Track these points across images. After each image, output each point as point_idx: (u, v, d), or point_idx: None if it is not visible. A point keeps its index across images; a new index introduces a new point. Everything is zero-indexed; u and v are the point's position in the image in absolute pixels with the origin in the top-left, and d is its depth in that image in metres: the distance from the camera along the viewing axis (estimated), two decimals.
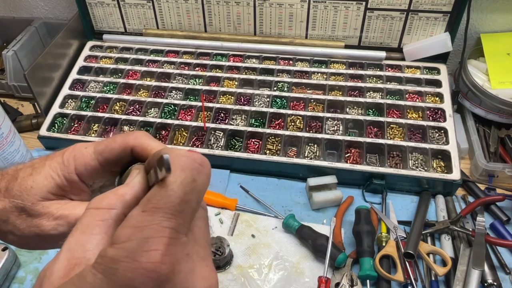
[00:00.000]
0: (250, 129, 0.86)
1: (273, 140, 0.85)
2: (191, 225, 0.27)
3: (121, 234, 0.24)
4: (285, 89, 0.95)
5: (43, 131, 0.90)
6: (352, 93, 0.94)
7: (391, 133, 0.85)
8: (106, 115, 0.91)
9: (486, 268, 0.66)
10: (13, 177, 0.37)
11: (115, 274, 0.23)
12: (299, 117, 0.88)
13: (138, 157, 0.35)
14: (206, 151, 0.83)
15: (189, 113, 0.92)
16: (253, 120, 0.89)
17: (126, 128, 0.90)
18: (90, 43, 1.10)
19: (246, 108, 0.90)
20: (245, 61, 1.03)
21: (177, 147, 0.76)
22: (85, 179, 0.37)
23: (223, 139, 0.85)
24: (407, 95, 0.92)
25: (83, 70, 1.04)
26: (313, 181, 0.78)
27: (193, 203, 0.27)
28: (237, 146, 0.85)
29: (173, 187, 0.25)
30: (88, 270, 0.24)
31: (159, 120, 0.89)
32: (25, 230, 0.36)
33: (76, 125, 0.92)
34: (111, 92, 0.97)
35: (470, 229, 0.71)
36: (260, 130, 0.86)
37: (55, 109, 0.94)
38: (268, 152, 0.83)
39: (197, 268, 0.27)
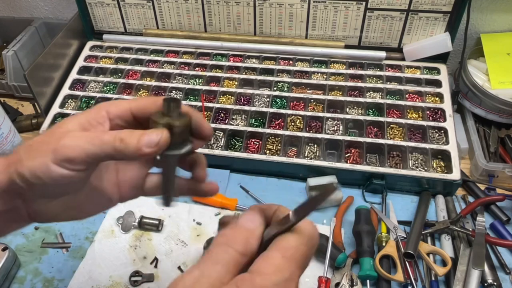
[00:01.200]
0: (250, 129, 0.86)
1: (273, 140, 0.85)
2: None
3: (267, 268, 0.31)
4: (285, 89, 0.95)
5: (43, 131, 0.90)
6: (352, 93, 0.94)
7: (391, 133, 0.85)
8: None
9: (486, 268, 0.66)
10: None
11: None
12: (299, 117, 0.88)
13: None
14: (206, 151, 0.83)
15: None
16: (253, 120, 0.89)
17: None
18: (90, 43, 1.10)
19: (246, 108, 0.90)
20: (245, 61, 1.03)
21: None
22: (113, 118, 0.40)
23: (223, 139, 0.85)
24: (407, 95, 0.92)
25: (83, 70, 1.04)
26: (313, 181, 0.78)
27: (310, 260, 0.36)
28: (237, 146, 0.85)
29: (305, 248, 0.33)
30: None
31: None
32: (50, 157, 0.36)
33: None
34: (111, 92, 0.97)
35: (470, 229, 0.71)
36: (260, 130, 0.86)
37: (55, 109, 0.94)
38: (268, 152, 0.83)
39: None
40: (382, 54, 0.99)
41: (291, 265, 0.32)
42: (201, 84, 0.98)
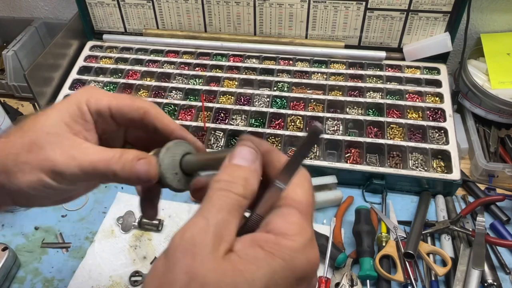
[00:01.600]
0: (250, 129, 0.86)
1: (273, 140, 0.85)
2: None
3: (292, 229, 0.29)
4: (285, 89, 0.95)
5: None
6: (352, 93, 0.94)
7: (391, 133, 0.85)
8: None
9: (486, 268, 0.66)
10: (25, 119, 0.38)
11: (295, 263, 0.28)
12: (299, 117, 0.88)
13: (149, 123, 0.39)
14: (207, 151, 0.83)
15: (189, 113, 0.92)
16: (253, 120, 0.89)
17: None
18: (90, 43, 1.10)
19: (246, 108, 0.90)
20: (245, 61, 1.03)
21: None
22: (92, 111, 0.38)
23: (223, 139, 0.85)
24: (407, 95, 0.92)
25: (83, 70, 1.04)
26: (313, 181, 0.77)
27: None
28: None
29: (310, 197, 0.32)
30: (262, 254, 0.28)
31: None
32: (36, 166, 0.35)
33: None
34: (111, 92, 0.97)
35: (470, 229, 0.71)
36: (260, 130, 0.86)
37: None
38: None
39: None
40: (382, 54, 0.99)
41: (309, 221, 0.31)
42: (201, 84, 0.98)
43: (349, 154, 0.82)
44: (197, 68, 1.02)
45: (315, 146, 0.84)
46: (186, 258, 0.27)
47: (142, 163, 0.35)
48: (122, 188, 0.82)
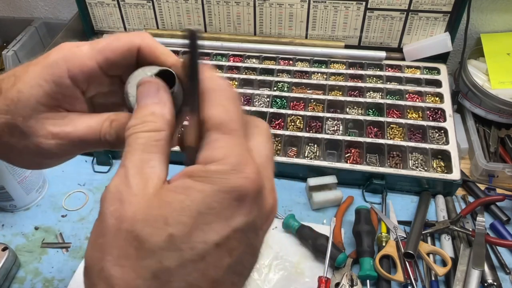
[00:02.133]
0: None
1: (273, 140, 0.85)
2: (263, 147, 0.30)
3: (218, 154, 0.26)
4: (285, 89, 0.95)
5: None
6: (352, 93, 0.94)
7: (391, 133, 0.85)
8: None
9: (486, 268, 0.66)
10: None
11: (227, 183, 0.25)
12: (299, 117, 0.88)
13: (144, 61, 0.33)
14: None
15: None
16: None
17: None
18: None
19: (246, 108, 0.90)
20: (245, 61, 1.03)
21: None
22: (79, 83, 0.33)
23: None
24: (407, 95, 0.92)
25: None
26: (313, 181, 0.78)
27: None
28: None
29: (234, 109, 0.28)
30: (190, 182, 0.25)
31: None
32: (23, 149, 0.33)
33: None
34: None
35: (470, 229, 0.71)
36: None
37: None
38: None
39: (271, 185, 0.30)
40: (382, 54, 0.99)
41: (237, 138, 0.27)
42: None
43: (349, 154, 0.82)
44: None
45: (316, 146, 0.84)
46: (113, 205, 0.25)
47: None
48: None
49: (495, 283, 0.65)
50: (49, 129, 0.32)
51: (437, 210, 0.77)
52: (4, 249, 0.67)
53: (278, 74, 0.99)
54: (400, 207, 0.78)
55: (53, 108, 0.33)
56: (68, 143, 0.33)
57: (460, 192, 0.81)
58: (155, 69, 0.33)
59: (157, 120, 0.29)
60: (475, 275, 0.64)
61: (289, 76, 0.99)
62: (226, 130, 0.27)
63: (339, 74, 0.97)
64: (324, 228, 0.73)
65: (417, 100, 0.91)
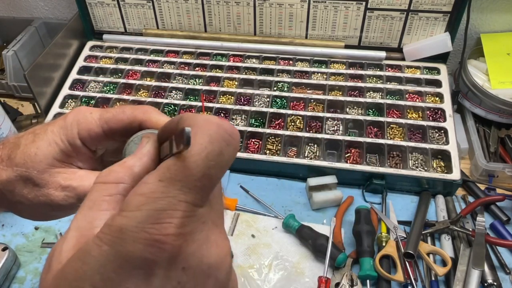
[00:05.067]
0: (250, 129, 0.86)
1: (273, 140, 0.85)
2: None
3: (132, 201, 0.23)
4: (285, 89, 0.95)
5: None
6: (352, 93, 0.94)
7: (391, 133, 0.85)
8: None
9: (486, 268, 0.66)
10: (15, 145, 0.36)
11: (123, 244, 0.21)
12: (299, 117, 0.88)
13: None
14: None
15: None
16: (253, 120, 0.89)
17: None
18: (90, 43, 1.10)
19: (246, 108, 0.90)
20: (245, 61, 1.03)
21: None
22: (88, 144, 0.36)
23: None
24: (407, 95, 0.92)
25: (83, 70, 1.04)
26: (313, 181, 0.78)
27: (216, 178, 0.24)
28: None
29: (197, 160, 0.23)
30: (93, 242, 0.22)
31: None
32: (34, 199, 0.36)
33: None
34: (111, 92, 0.97)
35: (470, 229, 0.71)
36: (260, 130, 0.86)
37: (55, 109, 0.94)
38: (268, 152, 0.83)
39: (211, 236, 0.25)
40: (382, 54, 0.99)
41: (170, 189, 0.22)
42: (201, 84, 0.98)
43: (349, 154, 0.82)
44: (197, 68, 1.02)
45: (316, 146, 0.84)
46: (44, 270, 0.25)
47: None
48: None
49: (495, 283, 0.65)
50: (60, 182, 0.35)
51: (437, 210, 0.77)
52: (4, 249, 0.67)
53: (278, 74, 0.99)
54: (400, 207, 0.78)
55: (66, 164, 0.36)
56: (75, 196, 0.36)
57: (460, 192, 0.81)
58: (147, 133, 0.33)
59: (121, 171, 0.27)
60: (475, 275, 0.64)
61: (289, 76, 0.99)
62: (165, 177, 0.23)
63: (339, 74, 0.97)
64: (324, 228, 0.73)
65: (417, 100, 0.91)
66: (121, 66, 1.03)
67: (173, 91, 0.96)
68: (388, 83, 0.95)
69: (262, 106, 0.91)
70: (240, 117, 0.90)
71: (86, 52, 1.08)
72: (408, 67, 0.98)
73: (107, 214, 0.25)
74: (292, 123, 0.88)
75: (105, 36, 1.11)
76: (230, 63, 1.02)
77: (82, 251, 0.22)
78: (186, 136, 0.22)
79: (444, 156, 0.81)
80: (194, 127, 0.24)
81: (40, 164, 0.35)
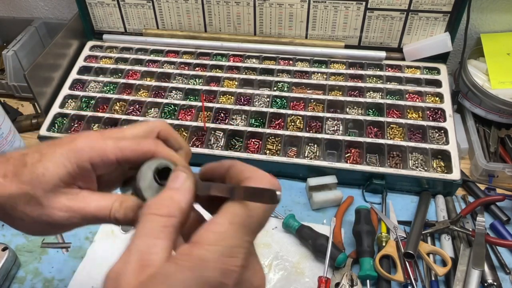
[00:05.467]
0: (250, 129, 0.86)
1: (273, 140, 0.85)
2: None
3: (208, 237, 0.29)
4: (285, 89, 0.95)
5: (43, 131, 0.90)
6: (352, 93, 0.94)
7: (391, 133, 0.85)
8: (106, 115, 0.91)
9: (486, 268, 0.66)
10: (21, 162, 0.36)
11: (204, 271, 0.28)
12: (299, 117, 0.88)
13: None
14: (206, 151, 0.83)
15: (189, 113, 0.92)
16: (253, 120, 0.89)
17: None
18: (90, 43, 1.10)
19: (246, 108, 0.90)
20: (245, 61, 1.03)
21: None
22: (97, 169, 0.37)
23: (223, 139, 0.85)
24: (407, 95, 0.92)
25: (83, 70, 1.04)
26: (313, 181, 0.78)
27: (265, 224, 0.34)
28: (237, 146, 0.85)
29: (260, 212, 0.32)
30: (174, 268, 0.28)
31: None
32: (36, 218, 0.36)
33: (76, 125, 0.92)
34: (111, 92, 0.97)
35: (470, 229, 0.71)
36: (260, 130, 0.86)
37: (55, 109, 0.94)
38: (268, 152, 0.83)
39: (256, 265, 0.33)
40: (382, 54, 0.99)
41: (240, 233, 0.30)
42: (201, 84, 0.98)
43: (349, 154, 0.82)
44: (197, 68, 1.02)
45: (316, 146, 0.84)
46: None
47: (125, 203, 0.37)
48: None
49: (495, 283, 0.65)
50: (64, 203, 0.36)
51: (437, 210, 0.77)
52: (4, 249, 0.67)
53: (278, 74, 0.99)
54: (400, 207, 0.78)
55: (70, 185, 0.37)
56: (79, 216, 0.37)
57: (460, 192, 0.81)
58: (159, 163, 0.37)
59: (172, 206, 0.32)
60: (475, 275, 0.64)
61: (289, 76, 0.99)
62: (236, 221, 0.31)
63: (339, 74, 0.97)
64: (324, 228, 0.73)
65: (417, 100, 0.91)
66: (121, 66, 1.03)
67: (173, 91, 0.97)
68: (388, 83, 0.95)
69: (262, 106, 0.91)
70: (240, 117, 0.90)
71: (86, 52, 1.08)
72: (408, 67, 0.98)
73: (164, 242, 0.30)
74: (292, 123, 0.88)
75: (105, 36, 1.11)
76: (230, 63, 1.02)
77: (162, 275, 0.28)
78: (278, 197, 0.30)
79: (444, 156, 0.81)
80: (253, 179, 0.33)
81: (46, 185, 0.35)
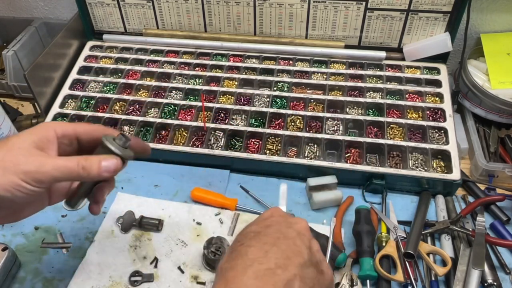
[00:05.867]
0: (250, 129, 0.86)
1: (273, 140, 0.85)
2: None
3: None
4: (285, 89, 0.95)
5: None
6: (352, 93, 0.94)
7: (391, 133, 0.85)
8: (106, 115, 0.91)
9: (486, 268, 0.66)
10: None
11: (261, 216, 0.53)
12: (299, 117, 0.88)
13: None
14: (206, 151, 0.83)
15: (189, 113, 0.92)
16: (253, 120, 0.89)
17: (126, 128, 0.90)
18: (90, 43, 1.10)
19: (246, 108, 0.90)
20: (245, 61, 1.03)
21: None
22: (59, 139, 0.49)
23: (223, 139, 0.85)
24: (407, 95, 0.92)
25: (83, 70, 1.04)
26: (313, 181, 0.78)
27: None
28: (237, 146, 0.85)
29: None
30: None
31: (159, 120, 0.89)
32: (10, 183, 0.43)
33: None
34: (111, 92, 0.97)
35: (470, 229, 0.71)
36: (260, 130, 0.86)
37: (55, 109, 0.94)
38: (268, 152, 0.83)
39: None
40: (382, 54, 0.99)
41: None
42: (201, 84, 0.98)
43: (349, 154, 0.82)
44: (197, 68, 1.02)
45: (316, 146, 0.84)
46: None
47: (110, 161, 0.47)
48: (122, 188, 0.82)
49: (495, 283, 0.65)
50: (37, 157, 0.45)
51: (437, 210, 0.77)
52: (4, 249, 0.67)
53: (278, 74, 0.99)
54: (400, 207, 0.78)
55: (39, 148, 0.46)
56: (51, 167, 0.44)
57: (460, 192, 0.81)
58: (115, 135, 0.51)
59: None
60: (475, 275, 0.64)
61: (289, 76, 0.99)
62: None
63: (339, 74, 0.97)
64: (324, 228, 0.73)
65: (417, 100, 0.91)
66: (121, 66, 1.03)
67: (173, 91, 0.97)
68: (388, 83, 0.95)
69: (262, 106, 0.91)
70: (240, 117, 0.90)
71: (86, 52, 1.08)
72: (408, 67, 0.98)
73: None
74: (292, 123, 0.88)
75: (105, 36, 1.11)
76: (230, 63, 1.02)
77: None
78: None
79: (444, 156, 0.81)
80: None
81: (20, 143, 0.45)
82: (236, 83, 0.97)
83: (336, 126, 0.86)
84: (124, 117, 0.90)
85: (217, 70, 1.02)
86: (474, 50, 0.98)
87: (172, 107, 0.92)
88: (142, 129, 0.89)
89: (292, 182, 0.82)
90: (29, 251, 0.73)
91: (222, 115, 0.90)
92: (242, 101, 0.94)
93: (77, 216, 0.78)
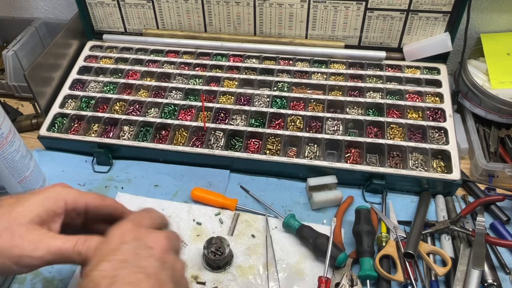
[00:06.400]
0: (250, 129, 0.86)
1: (273, 140, 0.85)
2: None
3: (112, 233, 0.46)
4: (285, 89, 0.95)
5: (43, 131, 0.90)
6: (352, 93, 0.94)
7: (391, 133, 0.85)
8: (106, 115, 0.91)
9: (486, 268, 0.66)
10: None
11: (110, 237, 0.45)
12: (299, 117, 0.88)
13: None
14: (206, 151, 0.83)
15: (189, 113, 0.92)
16: (253, 120, 0.89)
17: (126, 128, 0.90)
18: (90, 43, 1.10)
19: (246, 108, 0.90)
20: (245, 61, 1.03)
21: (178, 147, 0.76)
22: (68, 212, 0.48)
23: (223, 139, 0.85)
24: (407, 95, 0.92)
25: (83, 70, 1.03)
26: (313, 181, 0.78)
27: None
28: (237, 146, 0.85)
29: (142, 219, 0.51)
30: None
31: (159, 120, 0.89)
32: (6, 249, 0.43)
33: (76, 125, 0.92)
34: (111, 92, 0.97)
35: (470, 229, 0.71)
36: (260, 130, 0.86)
37: (55, 109, 0.94)
38: (268, 152, 0.83)
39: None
40: (382, 54, 0.99)
41: (136, 229, 0.46)
42: (201, 84, 0.98)
43: (349, 154, 0.82)
44: (197, 68, 1.02)
45: (316, 146, 0.83)
46: None
47: None
48: (122, 188, 0.82)
49: (495, 283, 0.65)
50: (35, 236, 0.44)
51: (437, 210, 0.77)
52: None
53: (278, 74, 0.99)
54: (400, 207, 0.78)
55: (41, 224, 0.45)
56: (45, 249, 0.44)
57: (460, 192, 0.81)
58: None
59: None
60: (475, 275, 0.64)
61: (289, 76, 0.99)
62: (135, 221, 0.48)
63: (339, 74, 0.97)
64: (324, 228, 0.73)
65: (417, 100, 0.91)
66: (121, 66, 1.03)
67: (173, 91, 0.96)
68: (388, 83, 0.95)
69: (262, 106, 0.91)
70: (240, 117, 0.90)
71: (86, 52, 1.08)
72: (408, 67, 0.98)
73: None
74: (292, 123, 0.88)
75: (105, 36, 1.11)
76: (230, 63, 1.02)
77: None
78: None
79: (444, 156, 0.81)
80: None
81: (22, 219, 0.45)
82: (236, 83, 0.97)
83: (336, 126, 0.86)
84: (124, 117, 0.90)
85: (217, 70, 1.02)
86: (474, 50, 0.98)
87: (172, 107, 0.92)
88: (142, 129, 0.89)
89: (292, 182, 0.82)
90: None
91: (222, 115, 0.90)
92: (242, 101, 0.94)
93: None
